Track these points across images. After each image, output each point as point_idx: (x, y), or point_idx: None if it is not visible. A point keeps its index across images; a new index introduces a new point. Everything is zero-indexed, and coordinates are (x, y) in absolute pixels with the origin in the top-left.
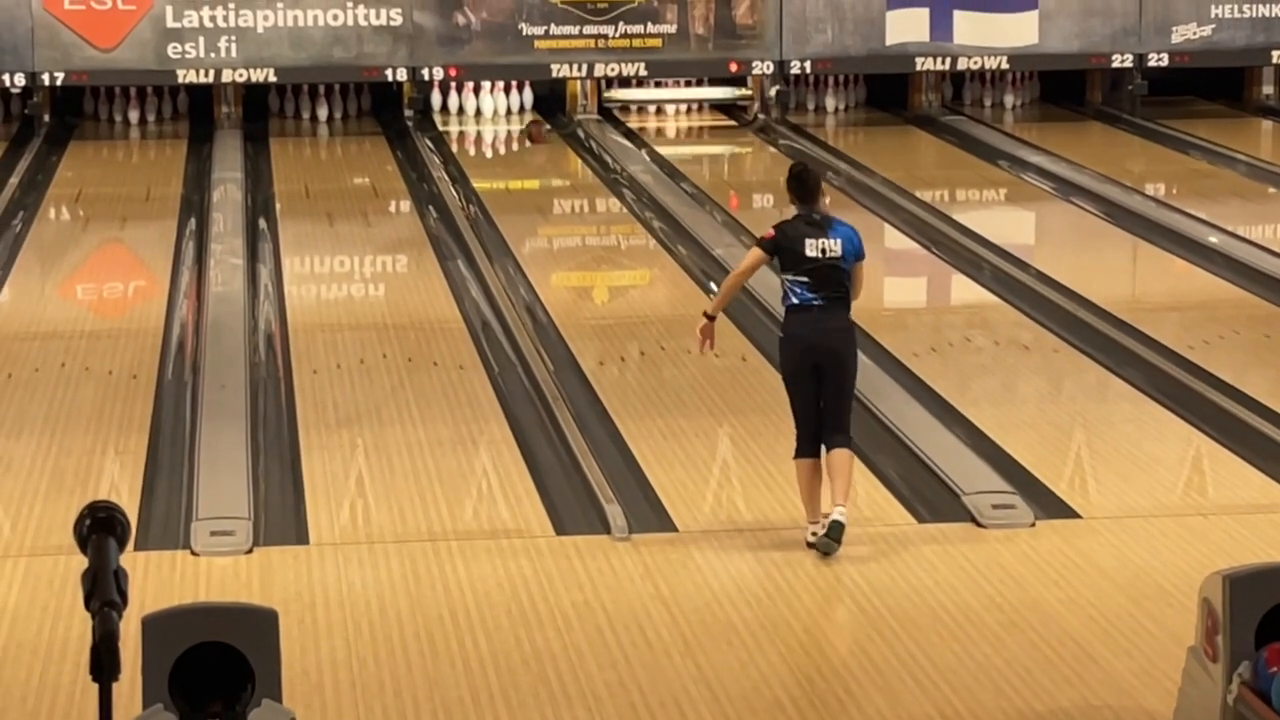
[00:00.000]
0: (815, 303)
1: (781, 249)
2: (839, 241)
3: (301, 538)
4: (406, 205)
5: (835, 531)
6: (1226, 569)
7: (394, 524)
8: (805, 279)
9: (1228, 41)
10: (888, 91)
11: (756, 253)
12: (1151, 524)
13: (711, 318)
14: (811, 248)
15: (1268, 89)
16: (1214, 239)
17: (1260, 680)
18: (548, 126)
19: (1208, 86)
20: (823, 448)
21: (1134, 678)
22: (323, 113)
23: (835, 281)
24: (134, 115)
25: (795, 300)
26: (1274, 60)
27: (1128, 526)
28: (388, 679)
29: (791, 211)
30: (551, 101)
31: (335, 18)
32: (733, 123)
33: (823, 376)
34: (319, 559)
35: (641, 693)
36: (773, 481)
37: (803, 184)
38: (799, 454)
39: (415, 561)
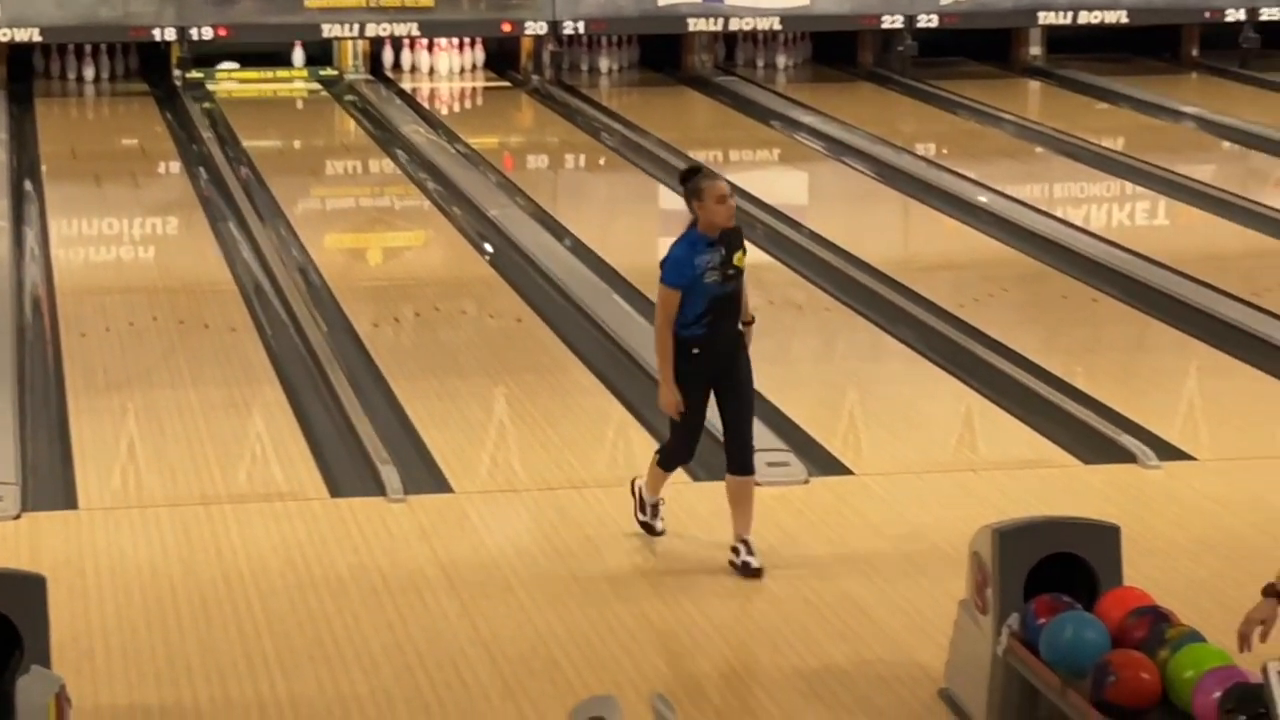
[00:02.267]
0: None
1: None
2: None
3: (71, 503)
4: (176, 167)
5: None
6: (996, 523)
7: (166, 488)
8: None
9: (995, 3)
10: (661, 52)
11: None
12: (923, 480)
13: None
14: None
15: (1035, 50)
16: (984, 198)
17: (1029, 632)
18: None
19: (976, 48)
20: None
21: (906, 632)
22: (89, 73)
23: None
24: None
25: None
26: (1040, 22)
27: (900, 483)
28: (160, 644)
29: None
30: (323, 61)
31: None
32: (506, 83)
33: None
34: (89, 524)
35: (418, 654)
36: (549, 442)
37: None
38: None
39: (188, 525)
